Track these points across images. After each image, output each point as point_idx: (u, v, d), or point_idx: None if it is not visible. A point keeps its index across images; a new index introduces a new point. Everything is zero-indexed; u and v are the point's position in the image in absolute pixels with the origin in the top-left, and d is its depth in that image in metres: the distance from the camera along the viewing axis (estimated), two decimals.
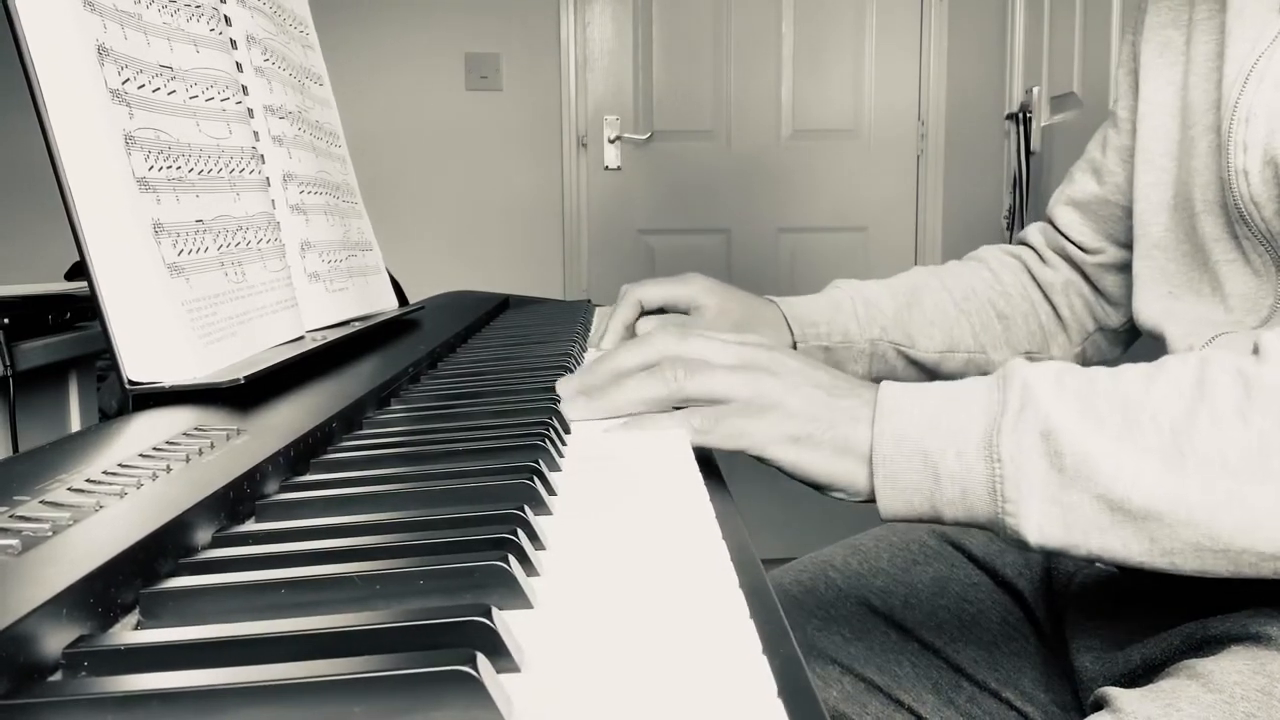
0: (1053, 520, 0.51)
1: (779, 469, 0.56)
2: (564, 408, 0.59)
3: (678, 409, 0.57)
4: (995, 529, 0.53)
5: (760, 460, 0.56)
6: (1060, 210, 0.94)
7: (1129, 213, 0.82)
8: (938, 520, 0.54)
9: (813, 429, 0.55)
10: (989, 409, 0.52)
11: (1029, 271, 0.96)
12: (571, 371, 0.72)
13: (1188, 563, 0.50)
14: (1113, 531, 0.50)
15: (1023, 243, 0.99)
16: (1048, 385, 0.52)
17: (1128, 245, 0.83)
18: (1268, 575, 0.50)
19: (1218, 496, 0.48)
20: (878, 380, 0.58)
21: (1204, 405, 0.49)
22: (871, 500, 0.56)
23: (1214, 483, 0.48)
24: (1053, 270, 0.95)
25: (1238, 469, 0.48)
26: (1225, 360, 0.51)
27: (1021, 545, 0.52)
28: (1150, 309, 0.78)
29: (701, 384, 0.56)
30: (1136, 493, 0.49)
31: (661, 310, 0.88)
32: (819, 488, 0.57)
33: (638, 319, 0.87)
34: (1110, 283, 0.92)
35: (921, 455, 0.53)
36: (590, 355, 0.85)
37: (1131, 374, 0.52)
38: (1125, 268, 0.83)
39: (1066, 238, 0.93)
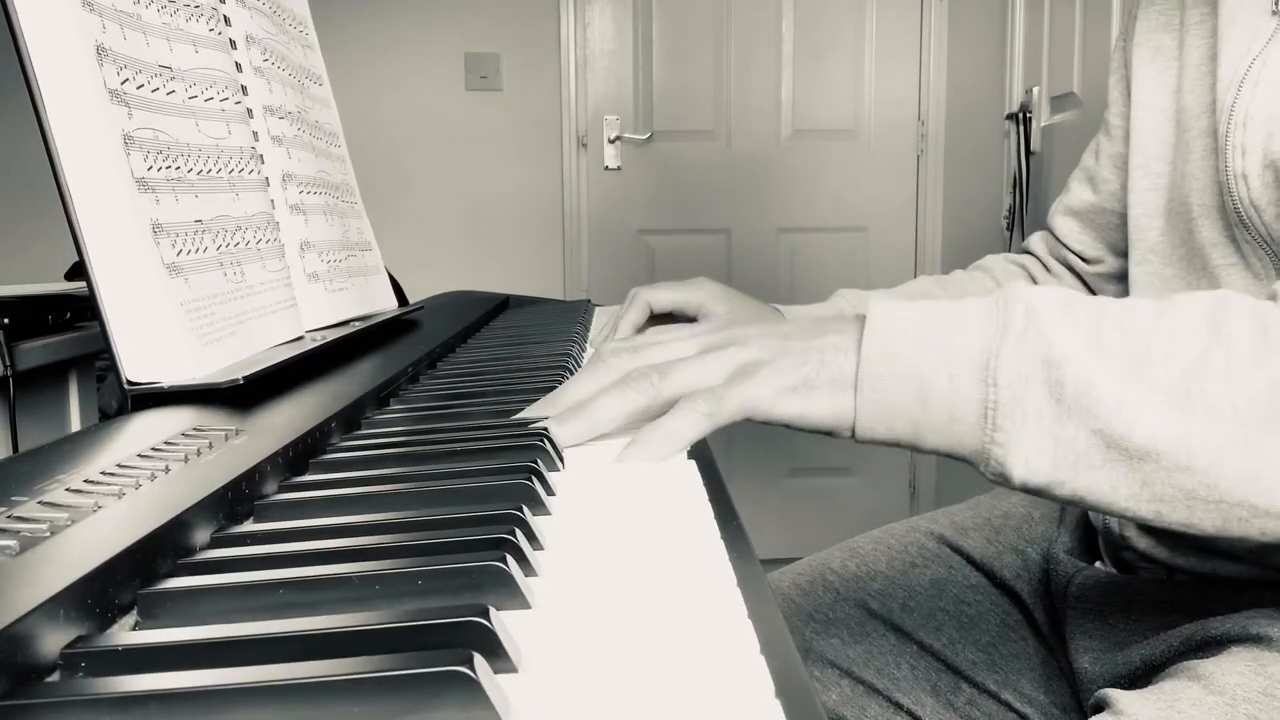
0: (1043, 454, 0.48)
1: (786, 425, 0.53)
2: (552, 429, 0.54)
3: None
4: (976, 460, 0.50)
5: (766, 424, 0.53)
6: (1059, 220, 0.94)
7: (1125, 220, 0.82)
8: (916, 447, 0.52)
9: (806, 373, 0.52)
10: (988, 330, 0.49)
11: (1033, 280, 0.97)
12: (571, 372, 0.72)
13: (1175, 513, 0.48)
14: (1104, 470, 0.48)
15: (1026, 251, 0.99)
16: (1053, 310, 0.49)
17: (1126, 254, 0.83)
18: (1253, 535, 0.48)
19: (1222, 442, 0.46)
20: None
21: (1218, 346, 0.47)
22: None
23: (1220, 427, 0.46)
24: (1056, 279, 0.95)
25: (1247, 415, 0.45)
26: (1242, 302, 0.49)
27: (1002, 480, 0.50)
28: None
29: (679, 380, 0.53)
30: (1138, 431, 0.46)
31: (670, 315, 0.88)
32: (828, 433, 0.53)
33: (646, 324, 0.87)
34: (1112, 293, 0.92)
35: (911, 374, 0.50)
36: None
37: (1143, 307, 0.50)
38: (1124, 277, 0.83)
39: (1067, 247, 0.94)
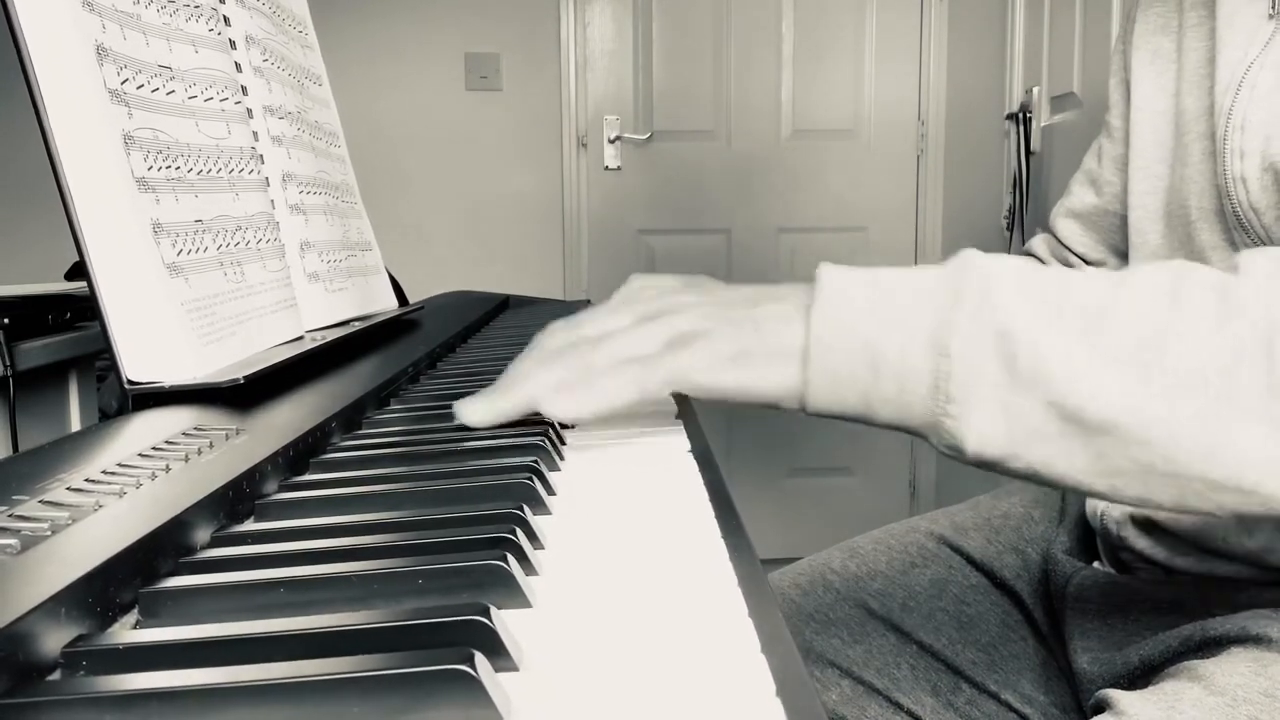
0: (996, 426, 0.47)
1: (725, 399, 0.52)
2: (461, 412, 0.54)
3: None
4: (928, 433, 0.49)
5: (703, 399, 0.52)
6: (1061, 222, 0.94)
7: (1127, 222, 0.82)
8: (867, 420, 0.50)
9: (746, 343, 0.50)
10: (940, 300, 0.48)
11: None
12: None
13: (1129, 487, 0.47)
14: (1059, 443, 0.46)
15: (1028, 253, 0.99)
16: (1008, 279, 0.48)
17: (1128, 255, 0.83)
18: (1209, 510, 0.47)
19: (1180, 414, 0.45)
20: None
21: (1176, 316, 0.46)
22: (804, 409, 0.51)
23: (1178, 399, 0.45)
24: None
25: (1205, 387, 0.45)
26: (1201, 272, 0.48)
27: (955, 453, 0.49)
28: None
29: (611, 351, 0.52)
30: (1094, 403, 0.45)
31: None
32: (771, 406, 0.52)
33: None
34: None
35: (862, 343, 0.49)
36: None
37: (1101, 277, 0.49)
38: None
39: (1069, 249, 0.94)
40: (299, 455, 0.48)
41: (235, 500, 0.40)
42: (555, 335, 0.56)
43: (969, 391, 0.47)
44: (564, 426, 0.59)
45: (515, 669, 0.27)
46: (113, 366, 0.53)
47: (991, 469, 0.49)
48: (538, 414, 0.53)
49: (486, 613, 0.28)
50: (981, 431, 0.47)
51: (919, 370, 0.48)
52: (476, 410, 0.54)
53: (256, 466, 0.42)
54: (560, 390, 0.52)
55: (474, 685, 0.24)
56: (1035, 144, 2.56)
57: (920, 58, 2.91)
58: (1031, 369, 0.46)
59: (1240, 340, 0.45)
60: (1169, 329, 0.46)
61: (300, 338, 0.71)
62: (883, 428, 0.51)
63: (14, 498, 0.35)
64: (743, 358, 0.50)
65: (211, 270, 0.59)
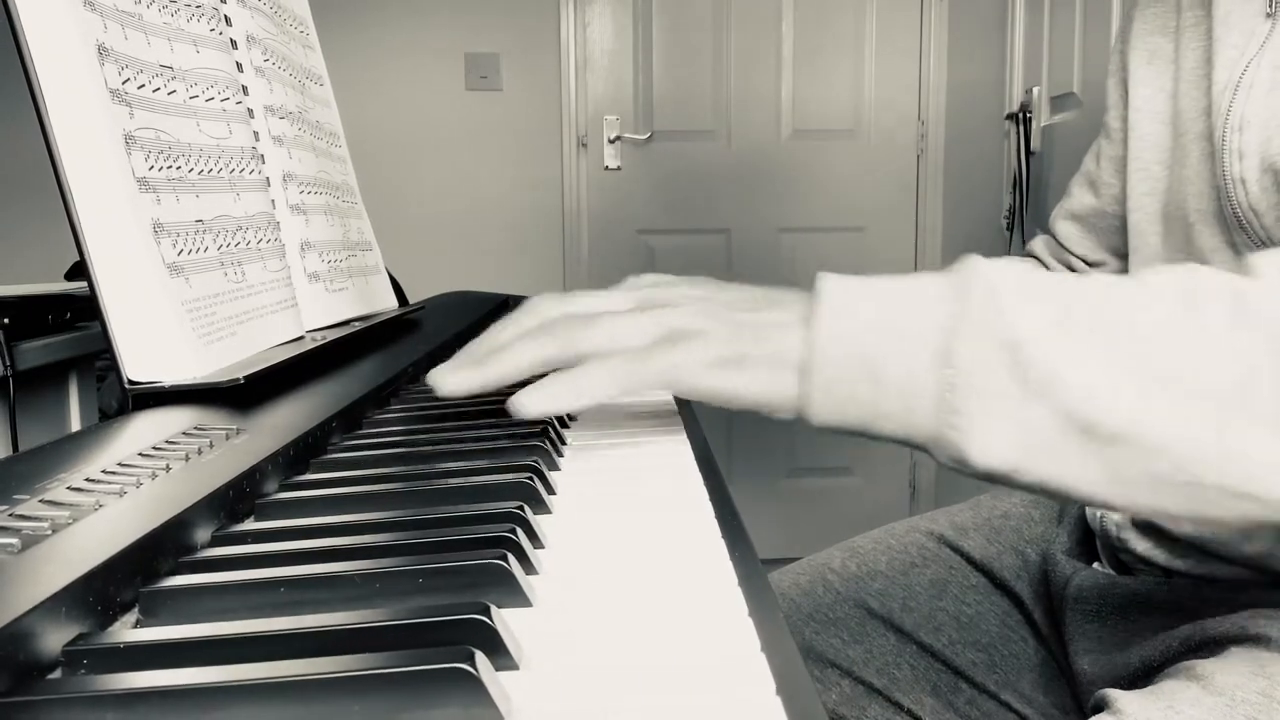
0: (1004, 439, 0.45)
1: (713, 401, 0.50)
2: (438, 380, 0.51)
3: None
4: (932, 447, 0.47)
5: (690, 399, 0.51)
6: (1061, 224, 0.94)
7: (1126, 223, 0.82)
8: (869, 435, 0.49)
9: (742, 348, 0.49)
10: (945, 310, 0.47)
11: None
12: None
13: (1139, 496, 0.45)
14: (1071, 455, 0.45)
15: (1029, 254, 0.99)
16: (1013, 286, 0.46)
17: (1128, 256, 0.83)
18: (1223, 518, 0.45)
19: (1196, 423, 0.43)
20: None
21: (1190, 322, 0.45)
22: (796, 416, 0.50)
23: (1194, 408, 0.43)
24: None
25: (1223, 394, 0.43)
26: (1215, 277, 0.46)
27: (960, 466, 0.47)
28: None
29: (600, 334, 0.49)
30: (1110, 414, 0.44)
31: None
32: (759, 411, 0.51)
33: None
34: None
35: (864, 360, 0.47)
36: None
37: (1109, 283, 0.47)
38: None
39: (1069, 251, 0.94)
40: (299, 455, 0.48)
41: (235, 500, 0.40)
42: (547, 302, 0.53)
43: (975, 403, 0.45)
44: (563, 425, 0.59)
45: (515, 668, 0.28)
46: (113, 366, 0.53)
47: (998, 482, 0.47)
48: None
49: (487, 612, 0.28)
50: (988, 444, 0.46)
51: (924, 383, 0.46)
52: (450, 380, 0.51)
53: (256, 466, 0.42)
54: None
55: (474, 684, 0.24)
56: (1035, 144, 2.56)
57: (920, 58, 2.91)
58: (1043, 379, 0.44)
59: (1254, 348, 0.44)
60: (1183, 336, 0.44)
61: (300, 338, 0.71)
62: (884, 441, 0.49)
63: (14, 497, 0.35)
64: (736, 362, 0.49)
65: (212, 270, 0.59)
